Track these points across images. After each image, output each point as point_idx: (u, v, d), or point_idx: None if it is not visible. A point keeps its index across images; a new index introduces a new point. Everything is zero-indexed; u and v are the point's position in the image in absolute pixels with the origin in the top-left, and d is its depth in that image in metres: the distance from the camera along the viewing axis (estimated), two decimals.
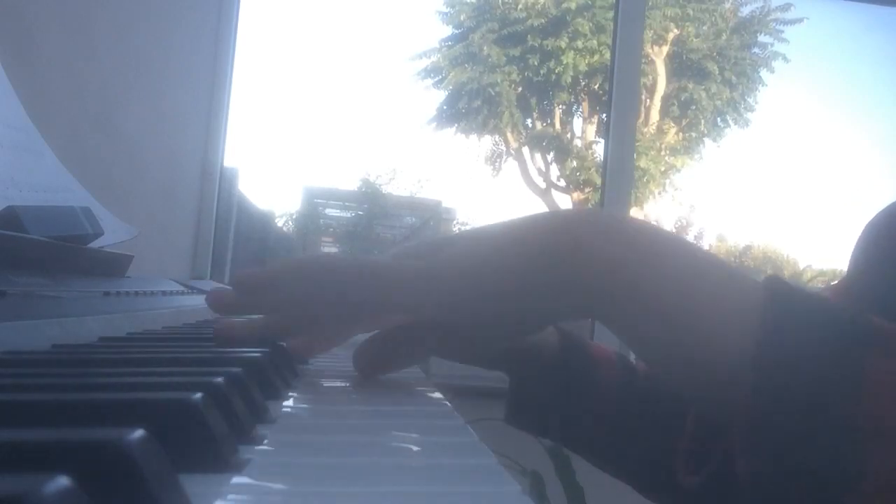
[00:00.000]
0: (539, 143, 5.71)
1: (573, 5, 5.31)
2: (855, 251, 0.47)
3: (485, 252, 0.37)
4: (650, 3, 4.18)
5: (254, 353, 0.36)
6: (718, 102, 5.73)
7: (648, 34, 5.03)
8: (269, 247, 3.73)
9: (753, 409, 0.30)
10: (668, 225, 5.95)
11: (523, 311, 0.38)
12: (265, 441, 0.25)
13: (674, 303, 0.33)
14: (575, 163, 5.59)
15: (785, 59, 5.60)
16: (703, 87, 5.68)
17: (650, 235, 0.35)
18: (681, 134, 5.79)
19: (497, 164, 5.81)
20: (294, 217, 4.65)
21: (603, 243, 0.34)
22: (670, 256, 0.34)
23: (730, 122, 5.83)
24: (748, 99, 5.81)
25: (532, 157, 5.70)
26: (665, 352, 0.35)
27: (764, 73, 5.75)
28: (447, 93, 5.53)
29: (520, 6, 5.47)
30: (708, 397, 0.34)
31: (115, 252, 0.66)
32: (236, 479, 0.20)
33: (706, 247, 6.09)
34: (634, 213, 4.79)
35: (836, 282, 0.49)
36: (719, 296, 0.33)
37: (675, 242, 0.36)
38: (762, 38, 5.69)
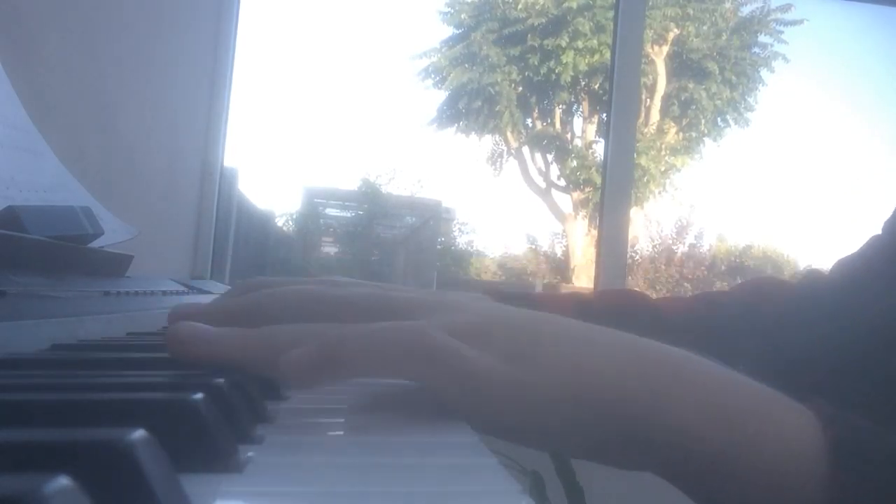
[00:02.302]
0: (539, 142, 5.71)
1: (573, 5, 5.31)
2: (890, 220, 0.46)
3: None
4: (650, 3, 4.18)
5: None
6: (718, 102, 5.73)
7: (648, 34, 5.03)
8: (269, 247, 3.72)
9: None
10: (668, 225, 5.95)
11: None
12: (265, 441, 0.25)
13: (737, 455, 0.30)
14: (575, 162, 5.60)
15: (785, 59, 5.60)
16: (703, 86, 5.68)
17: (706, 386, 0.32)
18: (681, 134, 5.79)
19: (497, 163, 5.82)
20: (294, 217, 4.65)
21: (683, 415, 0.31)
22: (732, 403, 0.31)
23: (730, 121, 5.83)
24: (748, 99, 5.81)
25: (532, 157, 5.70)
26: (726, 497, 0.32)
27: (764, 72, 5.76)
28: (447, 93, 5.53)
29: (520, 6, 5.47)
30: None
31: (115, 252, 0.66)
32: (236, 479, 0.21)
33: (706, 247, 6.09)
34: (634, 213, 4.79)
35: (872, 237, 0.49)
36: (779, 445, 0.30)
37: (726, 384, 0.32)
38: (762, 38, 5.69)
